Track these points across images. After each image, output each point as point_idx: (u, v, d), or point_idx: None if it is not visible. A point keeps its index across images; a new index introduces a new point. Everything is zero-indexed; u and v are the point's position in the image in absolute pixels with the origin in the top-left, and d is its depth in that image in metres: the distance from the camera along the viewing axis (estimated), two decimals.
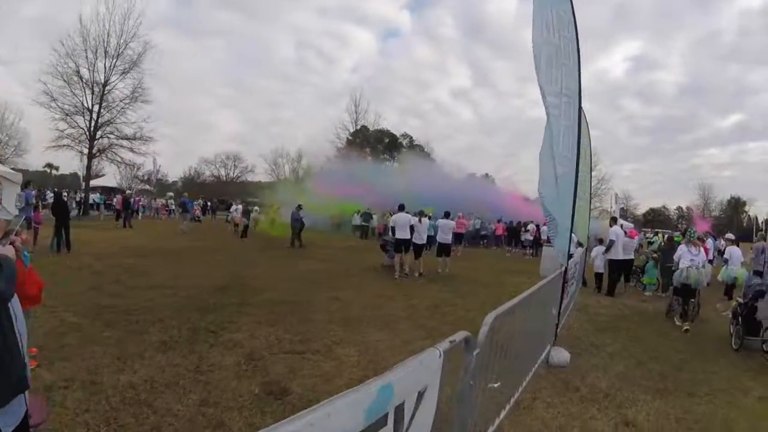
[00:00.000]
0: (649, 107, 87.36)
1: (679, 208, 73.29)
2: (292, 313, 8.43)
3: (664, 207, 74.08)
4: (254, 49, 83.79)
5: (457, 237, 23.59)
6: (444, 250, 15.87)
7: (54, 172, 54.89)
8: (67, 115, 33.57)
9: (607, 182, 57.04)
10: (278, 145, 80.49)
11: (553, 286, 6.59)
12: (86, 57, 33.72)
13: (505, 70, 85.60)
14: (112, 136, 35.50)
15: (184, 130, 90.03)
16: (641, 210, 70.62)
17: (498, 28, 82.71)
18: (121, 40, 34.81)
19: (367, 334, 7.41)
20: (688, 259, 9.50)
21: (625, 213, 51.61)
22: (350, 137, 60.78)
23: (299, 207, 21.34)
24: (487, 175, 62.41)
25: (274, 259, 16.66)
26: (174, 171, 74.64)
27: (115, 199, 34.03)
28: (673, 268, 10.27)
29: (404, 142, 65.35)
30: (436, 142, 76.51)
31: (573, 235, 7.24)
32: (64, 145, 34.28)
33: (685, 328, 9.14)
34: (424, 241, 15.01)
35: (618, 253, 13.28)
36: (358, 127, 60.90)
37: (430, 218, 20.72)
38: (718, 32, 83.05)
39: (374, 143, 64.36)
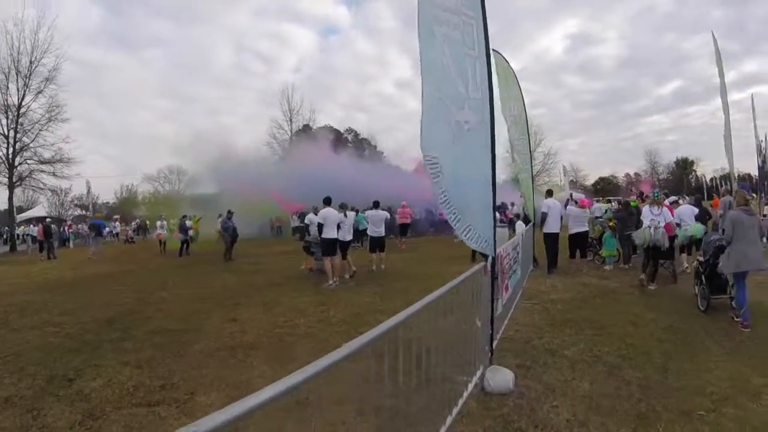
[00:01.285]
0: (591, 81, 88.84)
1: (627, 175, 73.71)
2: (170, 345, 6.84)
3: (612, 176, 74.29)
4: (191, 56, 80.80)
5: (402, 228, 21.70)
6: (377, 244, 13.85)
7: None
8: None
9: (554, 156, 57.09)
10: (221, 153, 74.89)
11: (474, 286, 4.54)
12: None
13: None
14: (31, 161, 32.85)
15: (126, 147, 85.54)
16: (591, 180, 70.51)
17: None
18: (33, 57, 31.95)
19: (250, 369, 5.73)
20: (649, 218, 9.34)
21: (575, 185, 50.71)
22: (294, 137, 57.70)
23: (230, 214, 18.93)
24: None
25: (191, 276, 14.43)
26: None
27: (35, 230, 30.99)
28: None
29: (349, 137, 63.06)
30: (384, 135, 74.70)
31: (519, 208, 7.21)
32: None
33: (650, 287, 9.19)
34: (350, 238, 12.87)
35: (551, 226, 12.03)
36: (293, 124, 56.48)
37: (357, 212, 18.85)
38: (654, 4, 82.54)
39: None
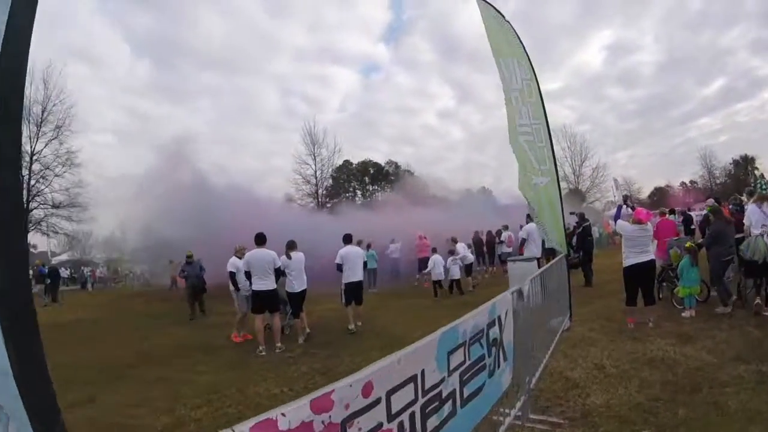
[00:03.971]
0: (633, 91, 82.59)
1: (683, 183, 66.68)
2: None
3: (668, 185, 67.07)
4: (239, 103, 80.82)
5: (422, 262, 17.35)
6: (353, 293, 9.65)
7: None
8: None
9: (603, 169, 51.23)
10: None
11: None
12: None
13: (485, 83, 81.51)
14: (44, 206, 31.88)
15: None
16: (645, 192, 63.61)
17: (470, 43, 79.17)
18: (45, 105, 31.21)
19: None
20: (760, 224, 7.10)
21: (629, 199, 44.31)
22: (334, 174, 54.47)
23: (189, 258, 13.74)
24: (484, 188, 56.08)
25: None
26: None
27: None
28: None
29: (390, 170, 59.68)
30: (430, 165, 71.94)
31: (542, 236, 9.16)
32: None
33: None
34: (304, 288, 9.06)
35: (533, 251, 12.00)
36: (319, 159, 48.97)
37: (369, 246, 16.85)
38: (683, 2, 76.78)
39: (360, 176, 59.05)
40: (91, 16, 66.47)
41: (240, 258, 9.28)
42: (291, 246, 9.01)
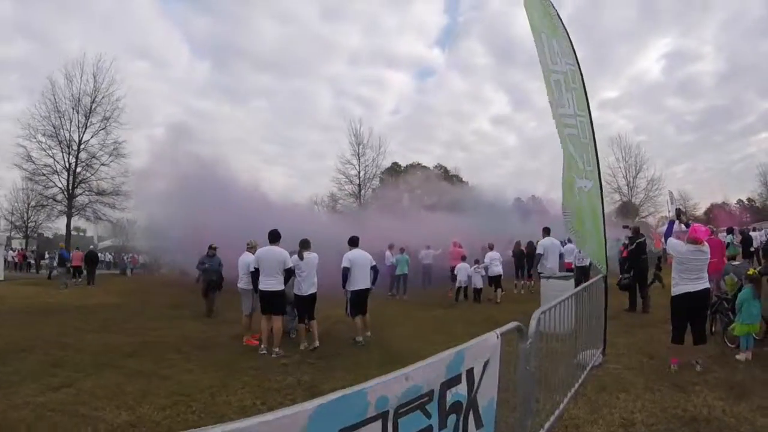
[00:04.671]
0: (692, 102, 78.18)
1: (740, 201, 62.07)
2: None
3: (724, 203, 62.73)
4: (294, 104, 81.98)
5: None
6: (359, 303, 8.71)
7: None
8: (44, 175, 32.31)
9: (659, 182, 48.16)
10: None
11: None
12: (60, 117, 32.16)
13: (541, 89, 77.81)
14: (89, 193, 33.27)
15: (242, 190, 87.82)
16: (701, 209, 59.55)
17: (527, 49, 76.44)
18: (94, 98, 32.88)
19: None
20: None
21: (682, 214, 40.97)
22: (382, 176, 53.66)
23: (212, 250, 12.63)
24: (533, 197, 53.93)
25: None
26: None
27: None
28: None
29: (439, 174, 58.15)
30: (481, 171, 70.78)
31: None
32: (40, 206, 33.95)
33: None
34: (314, 291, 8.35)
35: (549, 267, 11.63)
36: (363, 159, 49.10)
37: (402, 251, 16.30)
38: (744, 10, 71.90)
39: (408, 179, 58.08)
40: (154, 17, 69.03)
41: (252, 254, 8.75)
42: (304, 245, 8.31)
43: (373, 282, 8.87)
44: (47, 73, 33.43)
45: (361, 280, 8.57)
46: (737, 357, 6.26)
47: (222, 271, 12.53)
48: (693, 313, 5.94)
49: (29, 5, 56.79)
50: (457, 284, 14.67)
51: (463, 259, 15.38)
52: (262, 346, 7.86)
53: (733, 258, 8.89)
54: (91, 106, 32.55)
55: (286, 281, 7.93)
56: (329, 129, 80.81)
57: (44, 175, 32.21)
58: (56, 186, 32.75)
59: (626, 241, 11.80)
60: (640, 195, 49.18)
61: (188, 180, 21.09)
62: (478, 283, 14.28)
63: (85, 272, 24.41)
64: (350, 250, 8.72)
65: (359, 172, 45.74)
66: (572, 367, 5.25)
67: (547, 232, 12.49)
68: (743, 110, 73.61)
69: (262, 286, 7.83)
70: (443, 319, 10.87)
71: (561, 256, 12.77)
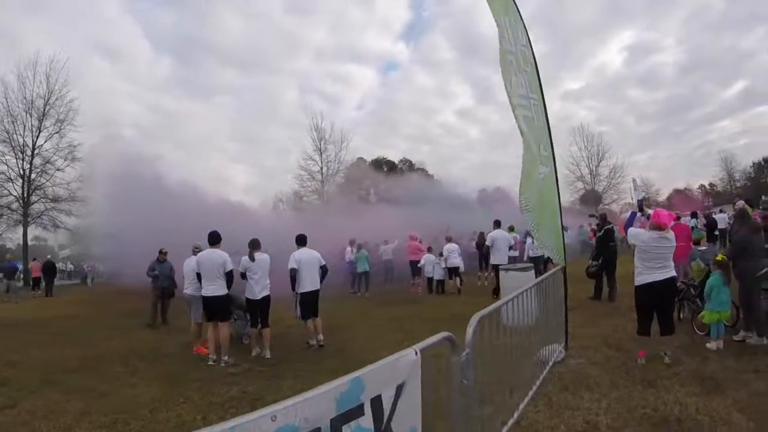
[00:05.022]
0: (653, 92, 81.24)
1: (702, 186, 64.22)
2: None
3: (687, 188, 64.48)
4: (259, 100, 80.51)
5: (413, 265, 15.96)
6: (310, 305, 8.14)
7: None
8: None
9: (622, 170, 49.27)
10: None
11: None
12: (13, 122, 30.89)
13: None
14: (45, 200, 31.71)
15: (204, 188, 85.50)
16: (664, 195, 61.02)
17: (491, 44, 76.97)
18: (51, 99, 31.52)
19: None
20: None
21: (648, 201, 41.63)
22: (346, 171, 52.80)
23: (162, 255, 11.86)
24: (498, 188, 54.03)
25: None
26: None
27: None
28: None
29: (404, 168, 57.97)
30: (447, 164, 71.92)
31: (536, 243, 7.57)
32: None
33: None
34: (267, 294, 7.80)
35: (498, 258, 11.72)
36: (325, 153, 47.50)
37: (359, 247, 16.10)
38: (706, 4, 76.44)
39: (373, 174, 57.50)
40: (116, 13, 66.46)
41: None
42: (254, 245, 7.79)
43: (322, 281, 8.34)
44: (5, 74, 31.52)
45: (309, 282, 8.04)
46: (708, 346, 5.89)
47: (174, 277, 11.77)
48: (659, 303, 5.50)
49: None
50: (427, 275, 15.06)
51: (429, 250, 15.67)
52: (211, 356, 7.41)
53: (698, 242, 8.60)
54: (44, 109, 31.36)
55: (228, 285, 7.47)
56: (294, 126, 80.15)
57: None
58: (11, 194, 31.00)
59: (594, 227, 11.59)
60: (603, 183, 50.11)
61: (136, 183, 20.24)
62: (438, 275, 14.76)
63: (43, 283, 23.59)
64: (298, 249, 8.19)
65: (321, 168, 44.54)
66: (532, 364, 4.83)
67: (497, 224, 12.55)
68: (703, 100, 76.47)
69: (203, 292, 7.40)
70: (404, 316, 10.34)
71: (510, 248, 12.99)
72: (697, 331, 6.53)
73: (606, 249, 10.39)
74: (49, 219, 31.98)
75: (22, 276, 21.78)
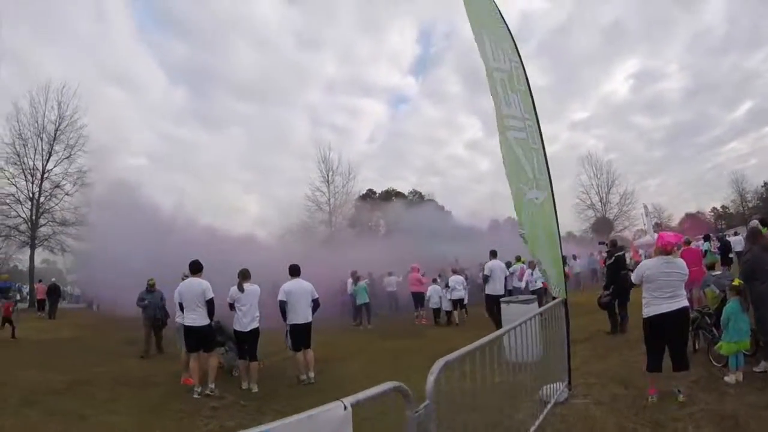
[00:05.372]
0: (660, 118, 79.56)
1: (714, 209, 63.93)
2: None
3: (698, 212, 63.63)
4: (271, 132, 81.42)
5: (416, 297, 15.57)
6: (301, 337, 7.80)
7: None
8: (7, 204, 30.79)
9: (632, 196, 48.81)
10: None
11: None
12: (24, 145, 31.19)
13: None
14: (53, 223, 31.79)
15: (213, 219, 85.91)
16: (676, 220, 60.25)
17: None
18: (62, 125, 31.89)
19: None
20: None
21: (660, 227, 41.01)
22: (358, 203, 52.59)
23: (150, 286, 11.50)
24: (510, 218, 53.67)
25: None
26: None
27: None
28: None
29: (414, 199, 57.77)
30: (458, 195, 71.36)
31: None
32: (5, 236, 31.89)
33: None
34: (256, 326, 7.57)
35: (495, 288, 11.55)
36: (333, 184, 46.14)
37: (358, 280, 15.72)
38: (707, 29, 74.99)
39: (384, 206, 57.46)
40: (129, 43, 67.66)
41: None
42: (244, 276, 7.56)
43: (314, 314, 8.04)
44: (18, 98, 32.02)
45: (299, 314, 7.74)
46: (726, 379, 5.33)
47: (166, 306, 11.40)
48: (670, 337, 4.97)
49: (7, 26, 55.57)
50: (433, 306, 14.91)
51: (435, 281, 15.64)
52: (196, 388, 7.10)
53: (713, 267, 8.01)
54: (55, 134, 31.71)
55: (210, 314, 7.26)
56: (305, 157, 79.99)
57: (7, 204, 30.63)
58: (19, 216, 31.14)
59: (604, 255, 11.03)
60: (614, 210, 49.91)
61: (139, 212, 20.24)
62: (445, 306, 14.65)
63: (47, 305, 23.34)
64: (291, 280, 7.93)
65: (329, 199, 44.34)
66: (529, 406, 4.36)
67: (493, 254, 12.34)
68: (710, 123, 75.40)
69: (185, 322, 7.24)
70: (404, 350, 9.90)
71: (506, 279, 12.94)
72: (714, 363, 5.96)
73: (617, 277, 9.68)
74: (56, 242, 32.11)
75: (19, 296, 21.40)
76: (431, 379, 2.53)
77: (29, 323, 19.28)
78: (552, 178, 5.70)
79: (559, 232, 5.72)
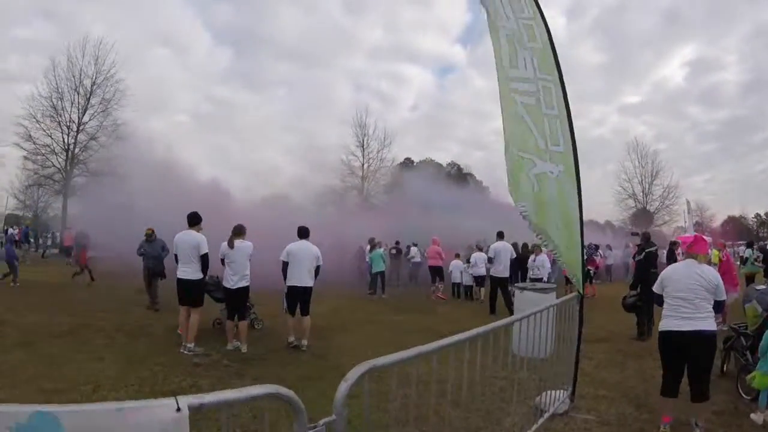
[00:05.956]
0: (714, 111, 74.54)
1: (758, 215, 60.25)
2: None
3: (741, 216, 59.93)
4: (314, 96, 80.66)
5: (435, 272, 15.01)
6: (296, 300, 7.49)
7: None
8: (42, 155, 31.80)
9: (676, 190, 45.73)
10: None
11: None
12: (60, 98, 31.82)
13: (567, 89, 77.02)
14: (87, 174, 32.27)
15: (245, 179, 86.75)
16: (718, 221, 56.48)
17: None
18: (95, 79, 32.38)
19: None
20: None
21: (701, 227, 38.38)
22: (393, 171, 51.69)
23: (148, 235, 10.89)
24: None
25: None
26: None
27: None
28: None
29: (451, 171, 56.57)
30: (500, 172, 68.51)
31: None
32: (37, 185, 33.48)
33: None
34: (246, 284, 7.31)
35: (500, 270, 11.29)
36: (368, 149, 45.53)
37: (375, 246, 15.50)
38: None
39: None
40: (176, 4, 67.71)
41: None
42: (237, 232, 7.33)
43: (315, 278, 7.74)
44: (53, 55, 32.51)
45: (297, 276, 7.40)
46: (752, 417, 4.52)
47: (164, 257, 10.86)
48: (688, 361, 4.19)
49: None
50: (454, 280, 15.26)
51: (457, 256, 15.65)
52: (186, 345, 6.93)
53: (753, 278, 7.03)
54: (91, 88, 32.04)
55: (204, 269, 7.09)
56: (345, 123, 79.51)
57: (43, 154, 31.61)
58: (54, 166, 32.13)
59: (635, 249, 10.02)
60: (656, 202, 47.30)
61: (165, 170, 20.17)
62: (467, 281, 14.92)
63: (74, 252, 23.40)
64: (297, 240, 7.64)
65: (363, 164, 43.57)
66: (517, 414, 3.80)
67: (500, 236, 12.08)
68: (766, 122, 70.39)
69: (178, 274, 7.10)
70: (410, 327, 9.41)
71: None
72: (743, 395, 5.12)
73: (646, 276, 8.62)
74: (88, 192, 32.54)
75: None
76: (343, 386, 1.97)
77: (52, 267, 20.24)
78: (578, 154, 4.88)
79: (581, 213, 4.88)
